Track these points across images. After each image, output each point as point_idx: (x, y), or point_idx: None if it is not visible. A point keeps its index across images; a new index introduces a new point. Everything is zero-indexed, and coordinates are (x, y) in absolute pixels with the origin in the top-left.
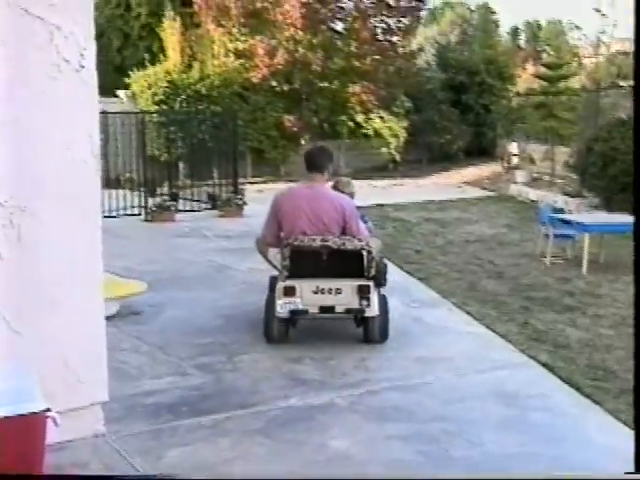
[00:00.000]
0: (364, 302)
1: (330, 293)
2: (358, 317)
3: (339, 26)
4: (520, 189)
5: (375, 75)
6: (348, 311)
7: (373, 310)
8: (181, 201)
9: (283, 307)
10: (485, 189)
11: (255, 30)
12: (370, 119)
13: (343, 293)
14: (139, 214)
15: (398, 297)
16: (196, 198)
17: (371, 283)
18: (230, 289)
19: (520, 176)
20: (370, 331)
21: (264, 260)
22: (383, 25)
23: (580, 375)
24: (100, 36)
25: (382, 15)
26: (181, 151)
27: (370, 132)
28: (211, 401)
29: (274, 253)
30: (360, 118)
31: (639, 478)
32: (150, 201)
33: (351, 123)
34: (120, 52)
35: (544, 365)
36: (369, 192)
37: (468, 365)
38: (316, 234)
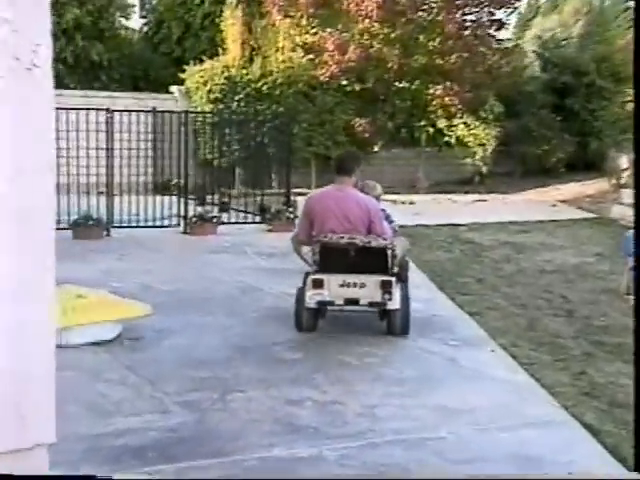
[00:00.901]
0: (386, 296)
1: (355, 287)
2: (380, 310)
3: (421, 18)
4: (624, 211)
5: (460, 75)
6: (371, 304)
7: (395, 303)
8: (232, 212)
9: (312, 298)
10: (583, 209)
11: (325, 22)
12: (454, 125)
13: (367, 287)
14: (178, 224)
15: (438, 334)
16: (247, 209)
17: (393, 279)
18: (251, 315)
19: (628, 196)
20: (392, 324)
21: (298, 257)
22: (472, 17)
23: (630, 444)
24: (159, 25)
25: (472, 6)
26: (238, 156)
27: (452, 140)
28: (184, 446)
29: (306, 250)
30: (442, 124)
31: (639, 478)
32: (193, 210)
33: (431, 129)
34: (180, 44)
35: (588, 427)
36: (446, 209)
37: (492, 419)
38: (344, 232)
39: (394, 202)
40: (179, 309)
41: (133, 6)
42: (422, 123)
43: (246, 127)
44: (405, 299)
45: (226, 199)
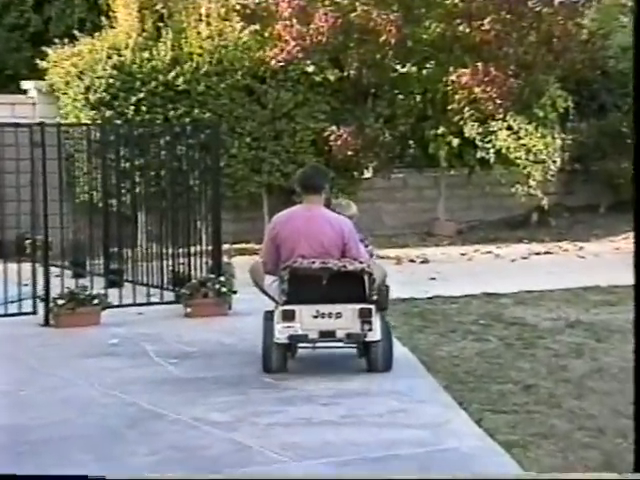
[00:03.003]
0: (366, 326)
1: (330, 317)
2: (360, 344)
3: None
4: None
5: (499, 49)
6: (349, 336)
7: (375, 334)
8: (129, 287)
9: (282, 332)
10: None
11: None
12: (491, 132)
13: (344, 317)
14: (34, 312)
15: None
16: (153, 281)
17: (373, 307)
18: (137, 462)
19: None
20: (373, 360)
21: (259, 291)
22: None
23: None
24: None
25: None
26: (140, 194)
27: (491, 155)
28: None
29: (270, 282)
30: (472, 130)
31: (639, 478)
32: (61, 286)
33: (456, 140)
34: (39, 11)
35: None
36: (482, 269)
37: None
38: (315, 258)
39: (397, 260)
40: (19, 459)
41: None
42: (440, 130)
43: (151, 147)
44: (386, 330)
45: (119, 265)
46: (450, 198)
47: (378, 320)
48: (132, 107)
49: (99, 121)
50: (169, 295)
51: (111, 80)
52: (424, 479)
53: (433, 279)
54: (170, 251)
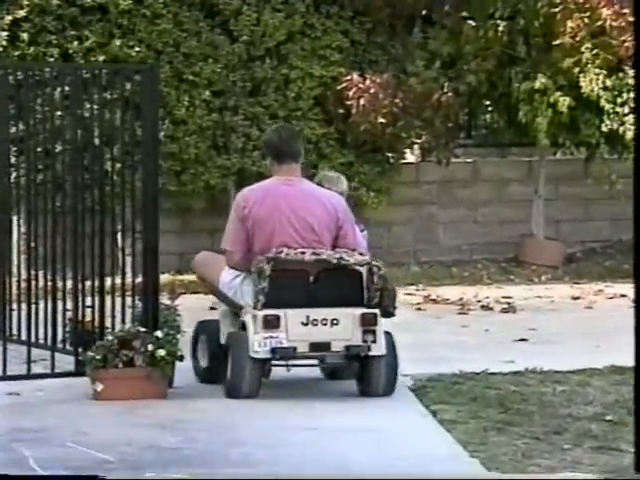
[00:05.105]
0: (369, 337)
1: (325, 325)
2: (361, 358)
3: None
4: None
5: None
6: (348, 349)
7: (380, 348)
8: None
9: (262, 344)
10: None
11: None
12: (631, 86)
13: (341, 325)
14: None
15: None
16: (34, 337)
17: (377, 312)
18: None
19: None
20: (373, 381)
21: (209, 292)
22: None
23: None
24: None
25: None
26: (19, 183)
27: (628, 127)
28: None
29: (230, 279)
30: (596, 82)
31: (639, 478)
32: None
33: (567, 100)
34: None
35: None
36: (614, 320)
37: None
38: (303, 247)
39: (460, 306)
40: None
41: None
42: (538, 83)
43: (39, 103)
44: (390, 343)
45: None
46: (554, 200)
47: (382, 330)
48: (4, 34)
49: None
50: (65, 361)
51: None
52: (424, 479)
53: (524, 340)
54: (69, 284)
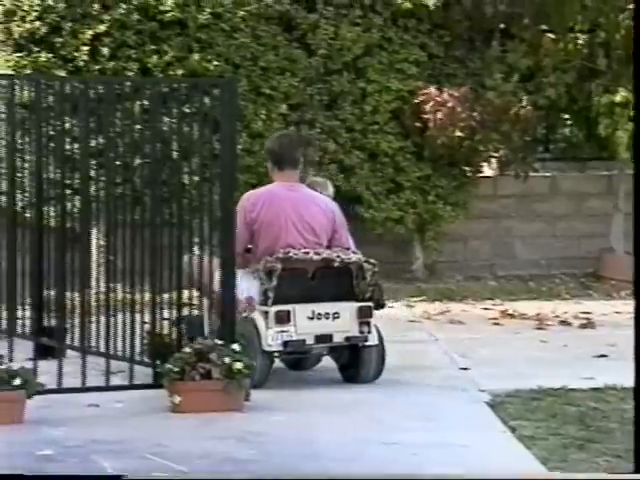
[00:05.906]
0: (365, 328)
1: (327, 318)
2: (352, 349)
3: None
4: None
5: None
6: (348, 339)
7: (374, 338)
8: (74, 355)
9: (276, 338)
10: None
11: None
12: None
13: (341, 318)
14: None
15: None
16: (113, 349)
17: (372, 305)
18: None
19: None
20: (366, 367)
21: (198, 291)
22: None
23: None
24: None
25: None
26: (98, 195)
27: None
28: None
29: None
30: None
31: (639, 478)
32: None
33: None
34: None
35: None
36: None
37: None
38: (306, 248)
39: (539, 322)
40: None
41: None
42: (619, 96)
43: (118, 117)
44: (379, 333)
45: (58, 321)
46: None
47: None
48: (85, 48)
49: (28, 70)
50: (143, 373)
51: (49, 1)
52: (424, 479)
53: (603, 356)
54: (147, 297)
